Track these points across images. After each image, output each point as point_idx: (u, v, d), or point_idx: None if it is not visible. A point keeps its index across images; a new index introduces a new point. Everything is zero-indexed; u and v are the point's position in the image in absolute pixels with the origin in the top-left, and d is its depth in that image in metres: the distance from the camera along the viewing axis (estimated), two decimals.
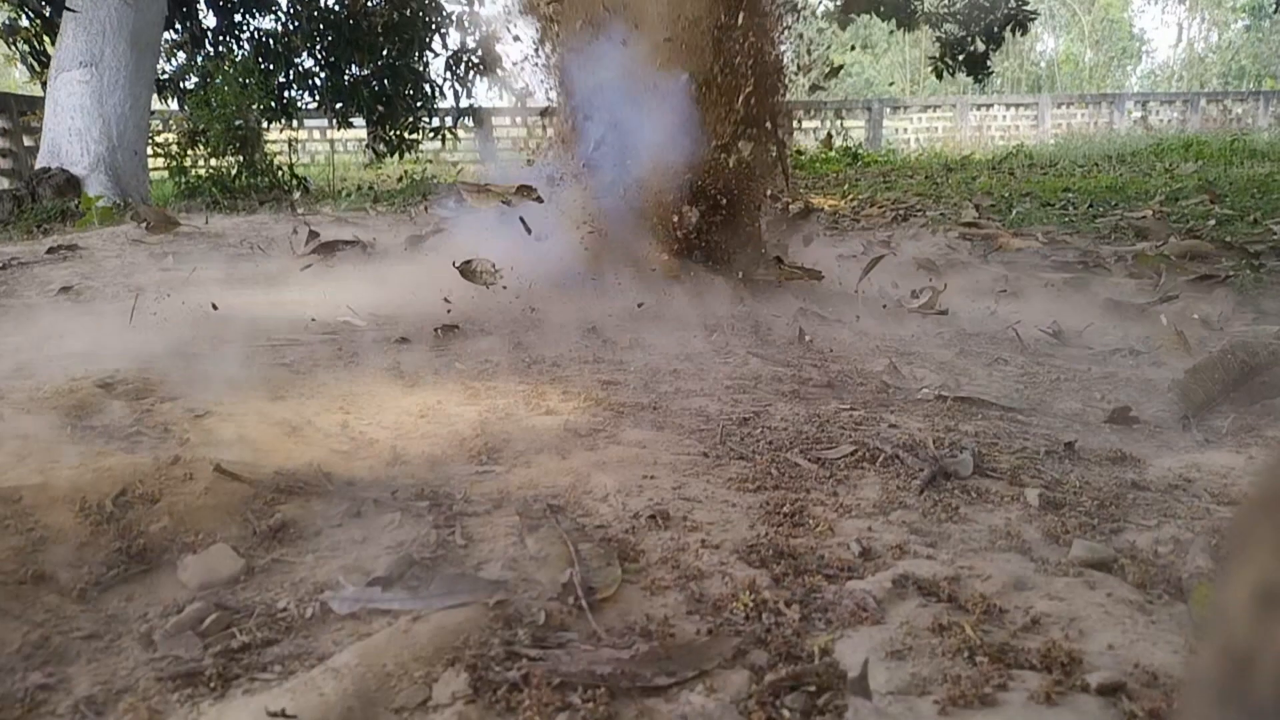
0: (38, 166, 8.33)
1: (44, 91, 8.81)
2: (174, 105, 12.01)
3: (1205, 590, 1.26)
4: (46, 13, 9.22)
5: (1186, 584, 1.31)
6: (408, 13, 11.87)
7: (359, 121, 13.20)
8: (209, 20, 12.00)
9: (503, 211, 3.71)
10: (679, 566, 1.38)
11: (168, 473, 1.60)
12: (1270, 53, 32.00)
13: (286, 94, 12.36)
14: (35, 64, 10.39)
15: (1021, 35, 13.90)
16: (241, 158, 9.99)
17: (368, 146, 13.61)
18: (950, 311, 3.81)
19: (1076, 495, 1.70)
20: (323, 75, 12.43)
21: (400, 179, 11.71)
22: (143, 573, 1.37)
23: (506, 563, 1.39)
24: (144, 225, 5.68)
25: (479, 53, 12.79)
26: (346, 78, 12.30)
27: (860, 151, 15.50)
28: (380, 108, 12.47)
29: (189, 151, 10.39)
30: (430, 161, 13.97)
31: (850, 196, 9.24)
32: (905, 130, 17.78)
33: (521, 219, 3.66)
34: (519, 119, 16.61)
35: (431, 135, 13.61)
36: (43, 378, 2.26)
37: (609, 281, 4.00)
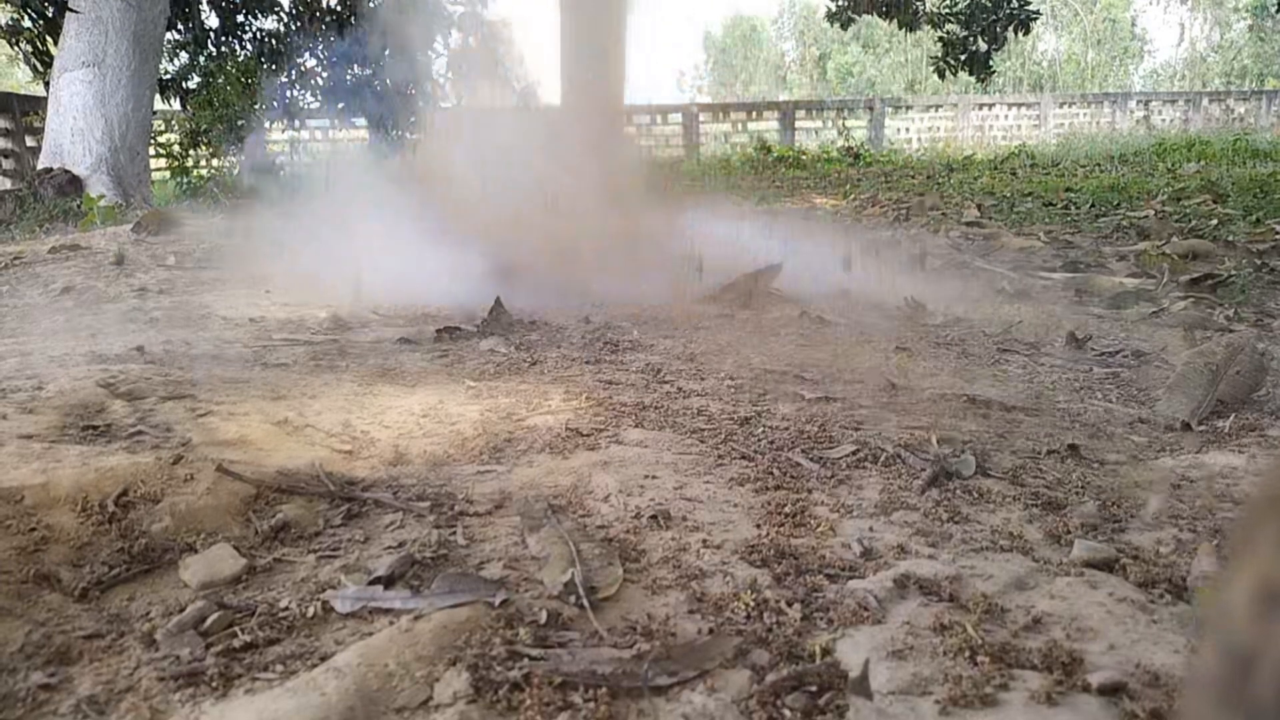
0: (40, 166, 8.35)
1: (46, 92, 8.82)
2: (176, 105, 12.01)
3: (1207, 590, 1.26)
4: (49, 13, 9.23)
5: (1188, 584, 1.31)
6: (410, 13, 11.87)
7: (361, 121, 13.20)
8: (211, 20, 12.01)
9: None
10: (680, 566, 1.38)
11: (170, 472, 1.60)
12: (1273, 52, 31.96)
13: (289, 94, 12.36)
14: (38, 64, 10.40)
15: (1024, 35, 13.89)
16: (243, 158, 10.00)
17: (370, 147, 13.60)
18: (951, 312, 3.81)
19: (1078, 495, 1.70)
20: (324, 75, 12.43)
21: None
22: (145, 572, 1.37)
23: (508, 562, 1.39)
24: (143, 235, 5.69)
25: (480, 53, 12.79)
26: (348, 77, 12.29)
27: (863, 151, 15.49)
28: (382, 108, 12.47)
29: (191, 152, 10.40)
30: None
31: (852, 196, 9.23)
32: (907, 130, 17.78)
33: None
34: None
35: None
36: (45, 377, 2.26)
37: (610, 285, 4.01)
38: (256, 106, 10.00)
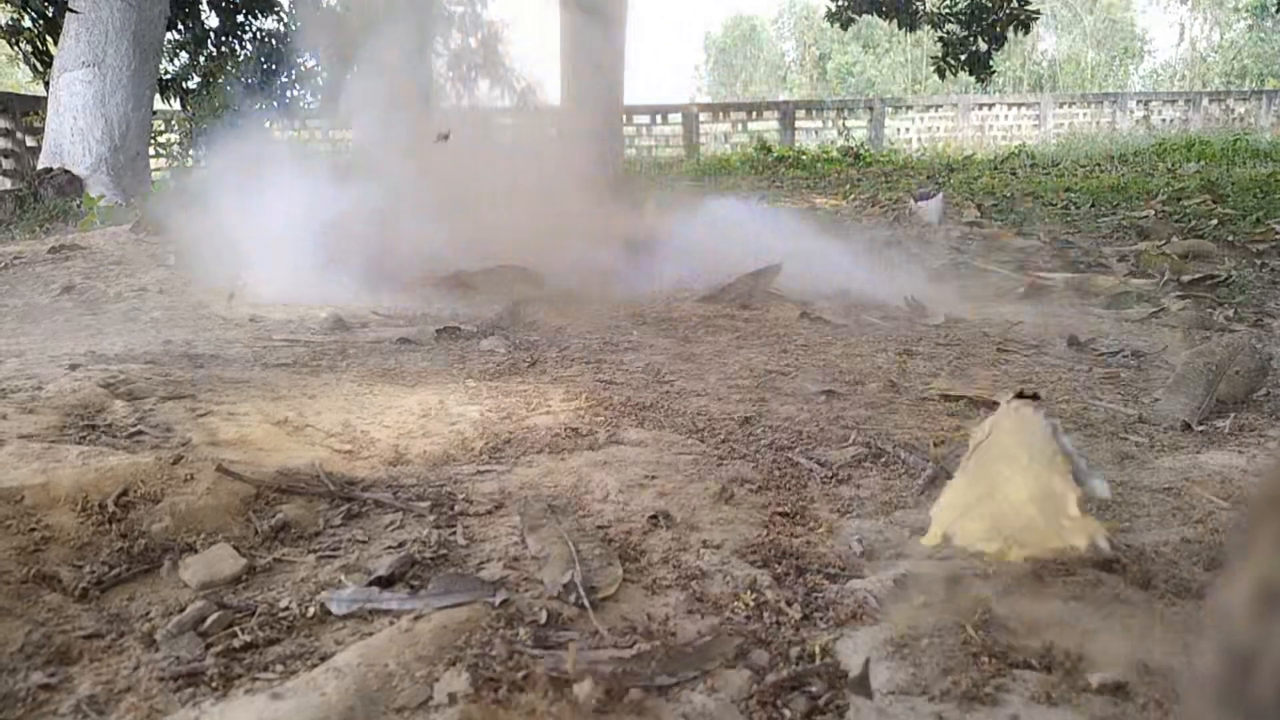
0: (40, 166, 8.35)
1: (46, 92, 8.82)
2: (176, 105, 12.02)
3: (1207, 590, 1.26)
4: (49, 13, 9.23)
5: (1188, 584, 1.31)
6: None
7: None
8: (211, 20, 12.01)
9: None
10: (680, 566, 1.38)
11: (170, 472, 1.60)
12: (1273, 52, 31.96)
13: (289, 94, 12.37)
14: (38, 64, 10.40)
15: (1024, 35, 13.89)
16: None
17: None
18: (952, 312, 3.81)
19: None
20: (324, 75, 12.44)
21: None
22: (145, 572, 1.37)
23: (508, 562, 1.39)
24: (142, 234, 5.69)
25: (480, 52, 12.79)
26: (348, 77, 12.29)
27: (863, 151, 15.48)
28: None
29: (191, 152, 10.41)
30: None
31: (852, 196, 9.23)
32: (907, 130, 17.77)
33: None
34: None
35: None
36: (45, 377, 2.26)
37: (610, 285, 4.01)
38: (256, 106, 10.01)
